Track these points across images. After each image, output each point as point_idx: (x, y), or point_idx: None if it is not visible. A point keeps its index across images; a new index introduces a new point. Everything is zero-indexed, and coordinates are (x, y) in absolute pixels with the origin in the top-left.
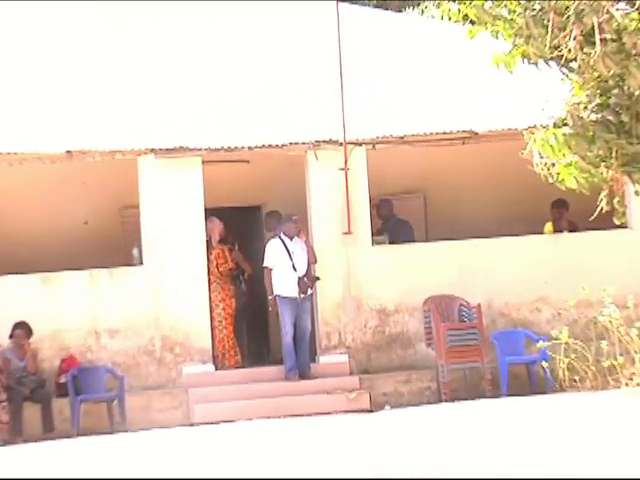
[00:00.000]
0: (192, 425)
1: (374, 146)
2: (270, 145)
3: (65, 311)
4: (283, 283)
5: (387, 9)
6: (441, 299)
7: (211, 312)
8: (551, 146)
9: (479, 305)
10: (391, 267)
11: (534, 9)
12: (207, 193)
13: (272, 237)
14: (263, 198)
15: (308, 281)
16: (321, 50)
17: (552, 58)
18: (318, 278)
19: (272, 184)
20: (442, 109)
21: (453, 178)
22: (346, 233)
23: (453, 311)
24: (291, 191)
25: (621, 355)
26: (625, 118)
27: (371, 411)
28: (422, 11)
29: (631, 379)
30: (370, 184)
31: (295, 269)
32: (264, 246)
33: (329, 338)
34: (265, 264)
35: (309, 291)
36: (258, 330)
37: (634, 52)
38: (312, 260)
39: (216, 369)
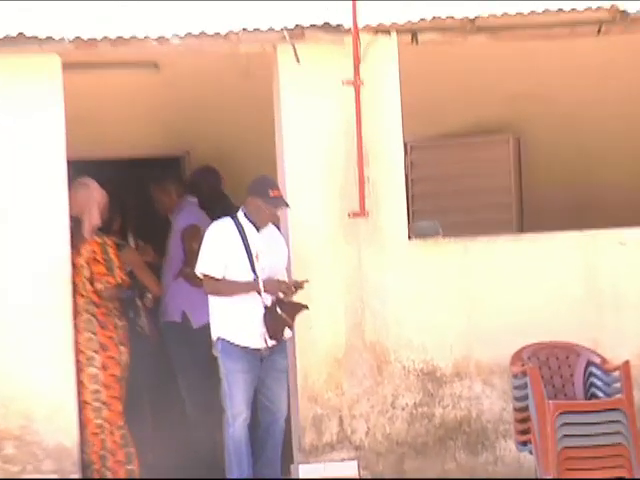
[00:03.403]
0: None
1: (414, 36)
2: (203, 33)
3: None
4: (234, 317)
5: None
6: (549, 351)
7: (79, 373)
8: None
9: (627, 364)
10: (447, 284)
11: None
12: (74, 130)
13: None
14: (188, 142)
15: (284, 313)
16: None
17: None
18: (304, 307)
19: (206, 113)
20: None
21: (575, 103)
22: (356, 215)
23: (574, 375)
24: (245, 129)
25: None
26: None
27: None
28: None
29: None
30: (405, 114)
31: (260, 289)
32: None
33: (319, 428)
34: (204, 270)
35: (286, 334)
36: (175, 409)
37: None
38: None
39: None
